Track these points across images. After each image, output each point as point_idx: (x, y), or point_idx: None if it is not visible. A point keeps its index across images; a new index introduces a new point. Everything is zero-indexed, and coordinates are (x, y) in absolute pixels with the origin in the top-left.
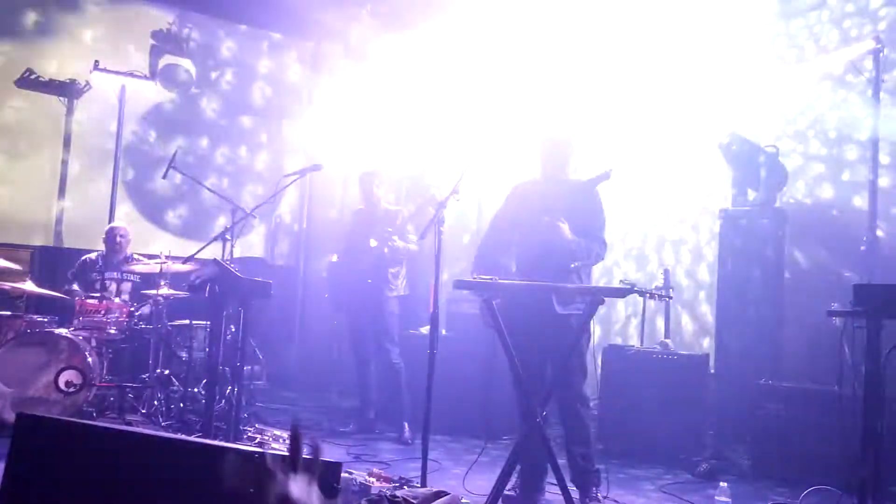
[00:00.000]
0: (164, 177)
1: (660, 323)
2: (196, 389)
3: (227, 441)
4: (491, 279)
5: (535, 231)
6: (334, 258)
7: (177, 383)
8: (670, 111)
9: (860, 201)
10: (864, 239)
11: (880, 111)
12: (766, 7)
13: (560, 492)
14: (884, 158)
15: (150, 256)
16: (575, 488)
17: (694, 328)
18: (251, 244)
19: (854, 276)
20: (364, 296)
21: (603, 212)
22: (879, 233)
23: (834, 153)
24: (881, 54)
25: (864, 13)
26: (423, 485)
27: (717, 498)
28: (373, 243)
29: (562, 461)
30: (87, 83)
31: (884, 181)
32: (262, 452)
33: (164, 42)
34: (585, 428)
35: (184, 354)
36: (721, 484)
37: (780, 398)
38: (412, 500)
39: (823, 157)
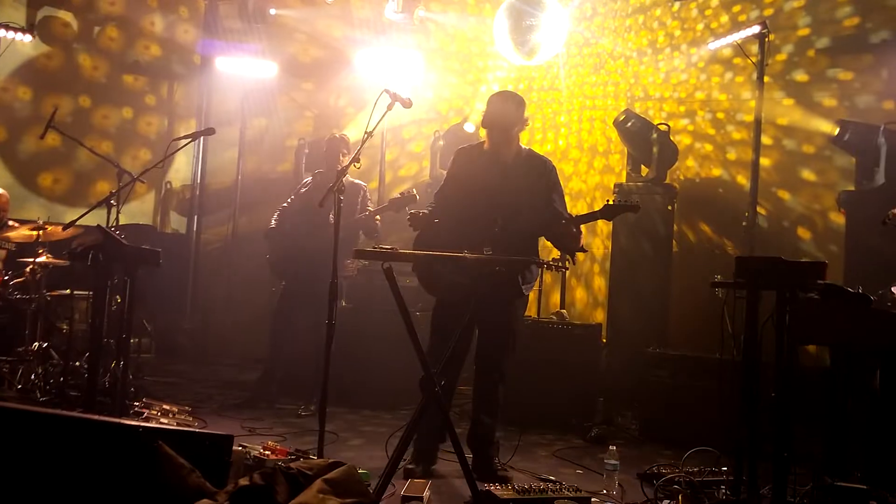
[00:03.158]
0: (42, 137)
1: (555, 296)
2: (78, 363)
3: (111, 416)
4: (391, 248)
5: (480, 204)
6: (273, 223)
7: (56, 357)
8: (568, 89)
9: (743, 179)
10: (746, 215)
11: (764, 94)
12: None
13: (458, 461)
14: (766, 140)
15: (25, 223)
16: (472, 455)
17: (588, 299)
18: (139, 211)
19: (736, 250)
20: (312, 270)
21: (559, 180)
22: (760, 210)
23: (721, 133)
24: (766, 39)
25: None
26: (320, 456)
27: (606, 461)
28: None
29: (460, 430)
30: None
31: (765, 161)
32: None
33: None
34: (497, 403)
35: (64, 326)
36: (610, 447)
37: (666, 366)
38: (307, 472)
39: (711, 137)
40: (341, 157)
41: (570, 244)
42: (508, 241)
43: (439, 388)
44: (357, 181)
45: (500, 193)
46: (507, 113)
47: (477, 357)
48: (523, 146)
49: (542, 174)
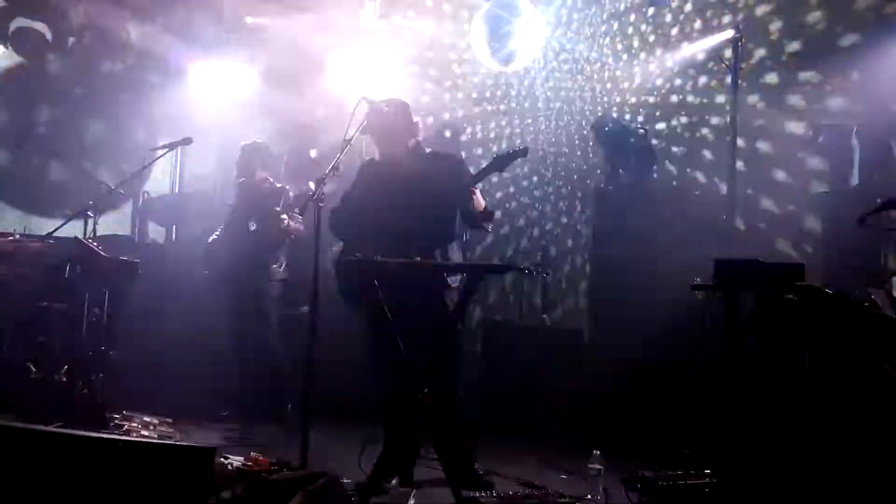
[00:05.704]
0: (18, 148)
1: (537, 300)
2: (56, 377)
3: (92, 430)
4: (376, 259)
5: (393, 211)
6: (212, 238)
7: (35, 370)
8: (545, 94)
9: (719, 182)
10: (724, 217)
11: (738, 98)
12: None
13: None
14: (740, 142)
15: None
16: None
17: (570, 303)
18: (117, 221)
19: (714, 252)
20: (242, 280)
21: (470, 173)
22: (736, 211)
23: (697, 136)
24: (740, 43)
25: (725, 4)
26: (303, 466)
27: (590, 465)
28: (252, 226)
29: None
30: None
31: (740, 164)
32: None
33: (16, 3)
34: (460, 407)
35: (42, 339)
36: (594, 452)
37: (650, 368)
38: (290, 483)
39: (687, 140)
40: (257, 165)
41: (470, 210)
42: (425, 234)
43: (422, 395)
44: (280, 185)
45: (405, 195)
46: (386, 123)
47: (430, 364)
48: (427, 149)
49: (450, 169)
